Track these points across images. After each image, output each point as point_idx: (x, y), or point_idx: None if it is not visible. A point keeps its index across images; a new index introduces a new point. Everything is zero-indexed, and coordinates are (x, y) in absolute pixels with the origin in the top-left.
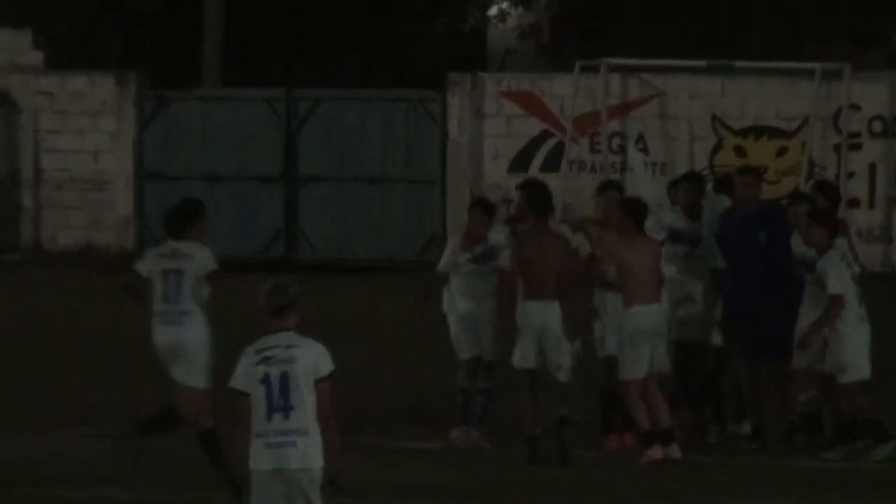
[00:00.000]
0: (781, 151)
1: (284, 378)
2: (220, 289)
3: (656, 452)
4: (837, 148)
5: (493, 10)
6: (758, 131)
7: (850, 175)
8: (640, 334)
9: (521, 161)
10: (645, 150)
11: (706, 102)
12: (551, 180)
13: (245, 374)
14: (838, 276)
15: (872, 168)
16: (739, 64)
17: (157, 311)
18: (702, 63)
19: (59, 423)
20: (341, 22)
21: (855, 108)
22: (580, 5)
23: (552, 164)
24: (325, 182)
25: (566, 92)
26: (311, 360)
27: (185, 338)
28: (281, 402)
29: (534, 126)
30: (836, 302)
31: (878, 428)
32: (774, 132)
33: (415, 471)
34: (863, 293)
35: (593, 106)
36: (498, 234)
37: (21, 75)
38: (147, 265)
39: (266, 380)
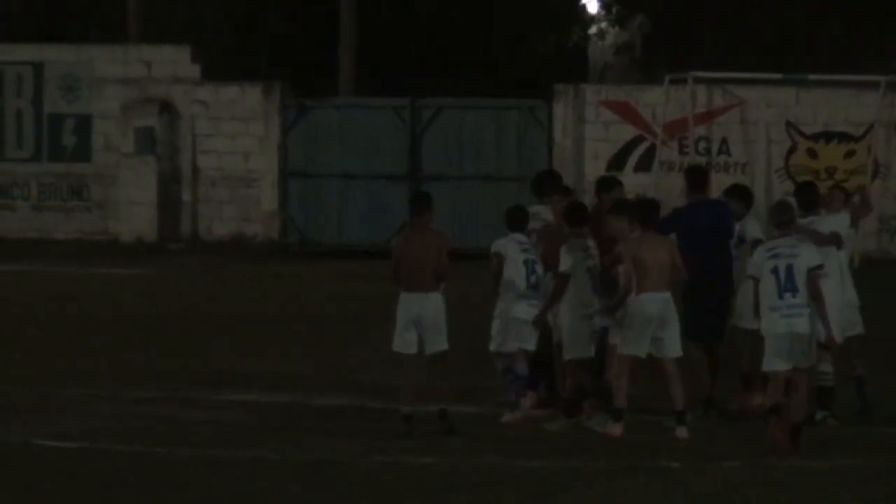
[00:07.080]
0: (849, 154)
1: (790, 269)
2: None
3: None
4: None
5: (592, 30)
6: (828, 136)
7: None
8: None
9: (617, 162)
10: (727, 153)
11: (782, 110)
12: (644, 179)
13: (756, 266)
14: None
15: None
16: (812, 76)
17: None
18: (778, 76)
19: (212, 391)
20: (461, 39)
21: None
22: (669, 25)
23: (645, 164)
24: (446, 180)
25: (657, 101)
26: (807, 256)
27: None
28: (788, 285)
29: (629, 131)
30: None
31: (566, 406)
32: (843, 136)
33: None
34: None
35: (681, 113)
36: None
37: (181, 86)
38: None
39: (775, 270)
